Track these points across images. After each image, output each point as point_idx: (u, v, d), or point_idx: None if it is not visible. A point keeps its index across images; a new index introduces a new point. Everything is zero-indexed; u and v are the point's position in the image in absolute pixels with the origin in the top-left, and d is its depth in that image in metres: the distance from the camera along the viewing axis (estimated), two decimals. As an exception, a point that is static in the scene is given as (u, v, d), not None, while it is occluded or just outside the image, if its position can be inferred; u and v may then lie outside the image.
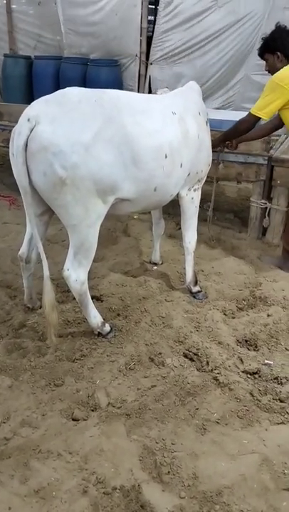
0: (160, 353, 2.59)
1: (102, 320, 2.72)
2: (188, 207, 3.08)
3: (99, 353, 2.60)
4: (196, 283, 3.22)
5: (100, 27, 6.40)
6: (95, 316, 2.68)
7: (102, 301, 3.09)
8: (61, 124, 2.23)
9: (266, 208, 4.01)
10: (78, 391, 2.32)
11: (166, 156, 2.62)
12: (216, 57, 6.03)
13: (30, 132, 2.22)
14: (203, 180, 3.13)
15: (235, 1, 5.67)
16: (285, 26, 3.42)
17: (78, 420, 2.17)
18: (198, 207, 3.13)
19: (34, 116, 2.23)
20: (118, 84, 6.46)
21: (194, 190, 3.06)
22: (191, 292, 3.21)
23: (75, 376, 2.42)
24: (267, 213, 4.02)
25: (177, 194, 2.99)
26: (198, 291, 3.20)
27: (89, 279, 2.92)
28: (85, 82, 6.36)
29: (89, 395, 2.29)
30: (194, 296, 3.18)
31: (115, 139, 2.36)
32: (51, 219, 2.71)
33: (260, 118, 3.25)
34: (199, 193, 3.11)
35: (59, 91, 2.41)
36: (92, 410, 2.24)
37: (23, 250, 2.80)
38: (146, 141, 2.50)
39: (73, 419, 2.17)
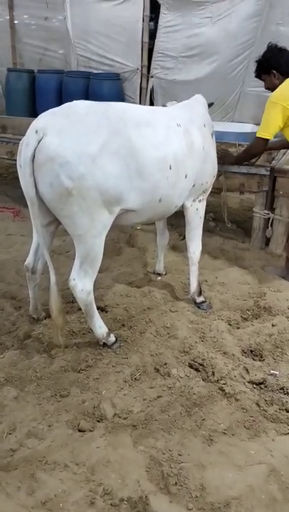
0: (165, 364, 2.58)
1: (108, 330, 2.72)
2: (193, 218, 3.11)
3: (104, 363, 2.59)
4: (200, 293, 3.23)
5: (108, 42, 6.51)
6: (100, 327, 2.69)
7: (106, 312, 3.10)
8: (68, 136, 2.27)
9: (269, 218, 4.03)
10: (84, 402, 2.32)
11: (170, 168, 2.65)
12: (213, 73, 6.10)
13: (38, 144, 2.26)
14: (208, 192, 3.16)
15: (228, 17, 5.76)
16: (276, 44, 3.53)
17: (84, 431, 2.16)
18: (202, 218, 3.16)
19: (42, 128, 2.28)
20: (120, 97, 6.54)
21: (199, 201, 3.09)
22: (195, 303, 3.21)
23: (80, 387, 2.42)
24: (270, 224, 4.04)
25: (182, 205, 3.02)
26: (203, 302, 3.21)
27: (93, 289, 2.93)
28: (87, 96, 6.43)
29: (95, 406, 2.29)
30: (199, 307, 3.19)
31: (121, 151, 2.39)
32: (57, 230, 2.73)
33: (268, 139, 3.32)
34: (204, 204, 3.14)
35: (66, 104, 2.46)
36: (98, 421, 2.23)
37: (29, 261, 2.82)
38: (151, 153, 2.53)
39: (79, 430, 2.16)
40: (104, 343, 2.71)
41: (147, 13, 6.17)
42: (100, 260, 2.56)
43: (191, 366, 2.60)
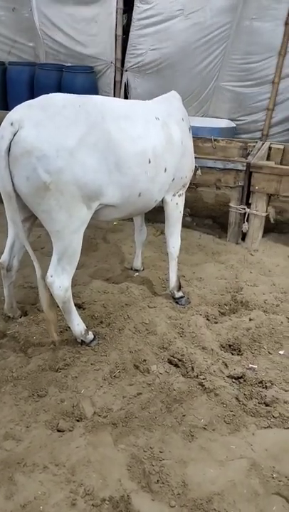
0: (145, 360, 2.56)
1: (86, 328, 2.68)
2: (173, 212, 3.09)
3: (83, 361, 2.55)
4: (179, 288, 3.22)
5: (77, 34, 6.39)
6: (78, 324, 2.64)
7: (84, 309, 3.05)
8: (45, 129, 2.20)
9: (245, 213, 4.06)
10: (63, 401, 2.28)
11: (149, 161, 2.62)
12: (186, 67, 6.09)
13: (13, 136, 2.18)
14: (187, 186, 3.14)
15: (202, 11, 5.75)
16: None
17: (63, 431, 2.12)
18: (182, 212, 3.14)
19: (17, 120, 2.20)
20: (94, 91, 6.45)
21: (179, 195, 3.06)
22: (174, 298, 3.21)
23: (58, 386, 2.37)
24: (246, 219, 4.07)
25: (162, 200, 2.99)
26: (181, 297, 3.20)
27: (72, 285, 2.88)
28: (60, 89, 6.32)
29: (74, 405, 2.25)
30: (177, 302, 3.18)
31: (99, 145, 2.35)
32: (33, 225, 2.66)
33: None
34: (183, 198, 3.12)
35: (43, 96, 2.38)
36: (78, 420, 2.19)
37: (4, 258, 2.74)
38: (130, 147, 2.49)
39: (58, 430, 2.13)
40: (82, 340, 2.67)
41: (120, 5, 6.09)
42: (78, 256, 2.51)
43: (170, 362, 2.59)
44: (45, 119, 2.23)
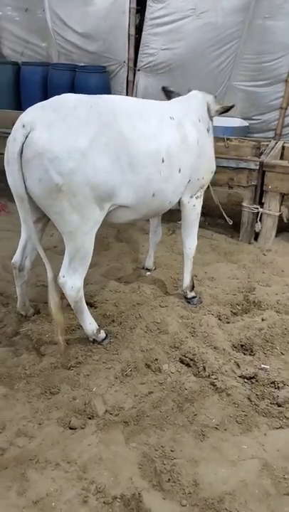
0: (156, 359, 2.57)
1: (98, 327, 2.69)
2: (190, 214, 3.08)
3: (94, 359, 2.57)
4: (192, 288, 3.21)
5: (89, 33, 6.42)
6: (90, 323, 2.65)
7: (96, 308, 3.06)
8: (57, 130, 2.21)
9: (258, 212, 4.03)
10: (75, 399, 2.29)
11: (163, 161, 2.60)
12: (198, 67, 6.07)
13: (26, 138, 2.19)
14: (205, 188, 3.10)
15: (214, 10, 5.72)
16: None
17: (75, 429, 2.13)
18: (199, 214, 3.12)
19: (29, 122, 2.20)
20: (107, 90, 6.47)
21: (196, 197, 3.04)
22: (186, 298, 3.20)
23: (71, 384, 2.39)
24: (258, 218, 4.04)
25: (179, 201, 2.98)
26: (193, 297, 3.19)
27: (83, 285, 2.89)
28: (73, 89, 6.35)
29: (86, 403, 2.26)
30: (189, 302, 3.18)
31: (111, 145, 2.34)
32: (46, 226, 2.68)
33: None
34: (201, 200, 3.09)
35: (55, 97, 2.38)
36: (90, 418, 2.21)
37: (16, 258, 2.76)
38: (143, 145, 2.48)
39: (70, 428, 2.14)
40: (94, 339, 2.68)
41: (133, 5, 6.10)
42: (90, 257, 2.51)
43: (182, 361, 2.59)
44: (56, 121, 2.23)
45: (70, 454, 1.99)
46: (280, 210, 4.01)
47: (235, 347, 2.76)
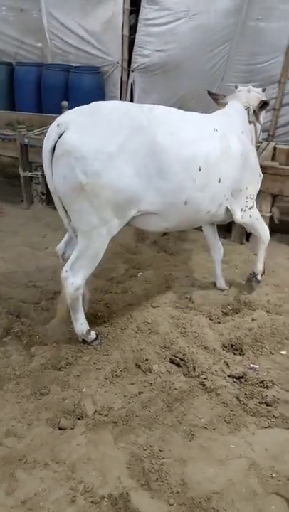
0: (147, 360, 2.58)
1: (88, 328, 2.70)
2: (254, 225, 3.16)
3: (85, 360, 2.57)
4: (263, 273, 3.39)
5: (84, 34, 6.43)
6: (82, 323, 2.66)
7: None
8: (88, 132, 2.30)
9: (249, 213, 4.04)
10: (64, 399, 2.30)
11: (200, 169, 2.60)
12: (191, 68, 6.09)
13: (59, 137, 2.30)
14: (254, 198, 3.11)
15: (206, 12, 5.75)
16: None
17: (65, 429, 2.14)
18: (260, 217, 3.19)
19: (64, 123, 2.31)
20: (101, 91, 6.49)
21: (249, 208, 3.05)
22: (257, 280, 3.35)
23: (60, 384, 2.39)
24: (250, 219, 4.05)
25: (237, 220, 3.03)
26: (260, 280, 3.37)
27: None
28: (67, 89, 6.37)
29: (75, 404, 2.27)
30: (259, 282, 3.34)
31: (141, 151, 2.37)
32: None
33: None
34: (255, 208, 3.12)
35: (95, 103, 2.48)
36: (79, 419, 2.21)
37: (60, 246, 2.84)
38: (177, 151, 2.49)
39: (60, 428, 2.15)
40: (83, 339, 2.69)
41: (127, 6, 6.12)
42: (98, 260, 2.54)
43: (172, 361, 2.60)
44: (89, 124, 2.32)
45: (58, 454, 2.00)
46: (271, 211, 4.04)
47: (226, 347, 2.77)
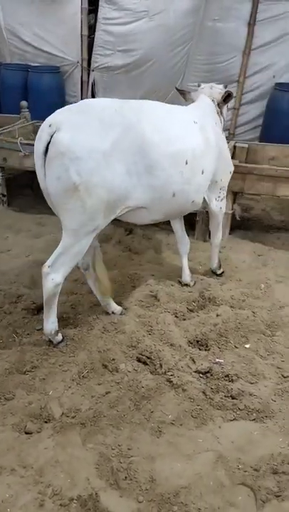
0: (113, 359, 2.58)
1: (57, 329, 2.67)
2: (218, 215, 3.33)
3: (50, 363, 2.54)
4: (220, 267, 3.60)
5: (43, 33, 6.35)
6: (53, 322, 2.64)
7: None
8: (80, 132, 2.28)
9: (211, 211, 4.11)
10: (30, 403, 2.27)
11: (186, 163, 2.68)
12: (152, 68, 6.13)
13: (51, 138, 2.27)
14: (225, 189, 3.26)
15: (165, 12, 5.80)
16: None
17: (31, 433, 2.12)
18: (224, 212, 3.36)
19: (55, 123, 2.29)
20: (60, 91, 6.43)
21: (221, 199, 3.23)
22: (216, 274, 3.59)
23: (26, 388, 2.36)
24: (212, 216, 4.12)
25: (207, 205, 3.17)
26: (222, 272, 3.60)
27: (38, 287, 2.87)
28: (26, 89, 6.28)
29: (41, 407, 2.24)
30: (220, 275, 3.59)
31: (132, 148, 2.40)
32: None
33: None
34: (225, 201, 3.29)
35: (83, 100, 2.49)
36: (46, 422, 2.19)
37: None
38: (166, 148, 2.55)
39: (26, 433, 2.12)
40: (49, 340, 2.66)
41: (85, 5, 6.08)
42: (81, 257, 2.58)
43: (139, 360, 2.61)
44: (81, 123, 2.31)
45: (25, 458, 1.98)
46: (232, 208, 4.11)
47: (191, 343, 2.81)
